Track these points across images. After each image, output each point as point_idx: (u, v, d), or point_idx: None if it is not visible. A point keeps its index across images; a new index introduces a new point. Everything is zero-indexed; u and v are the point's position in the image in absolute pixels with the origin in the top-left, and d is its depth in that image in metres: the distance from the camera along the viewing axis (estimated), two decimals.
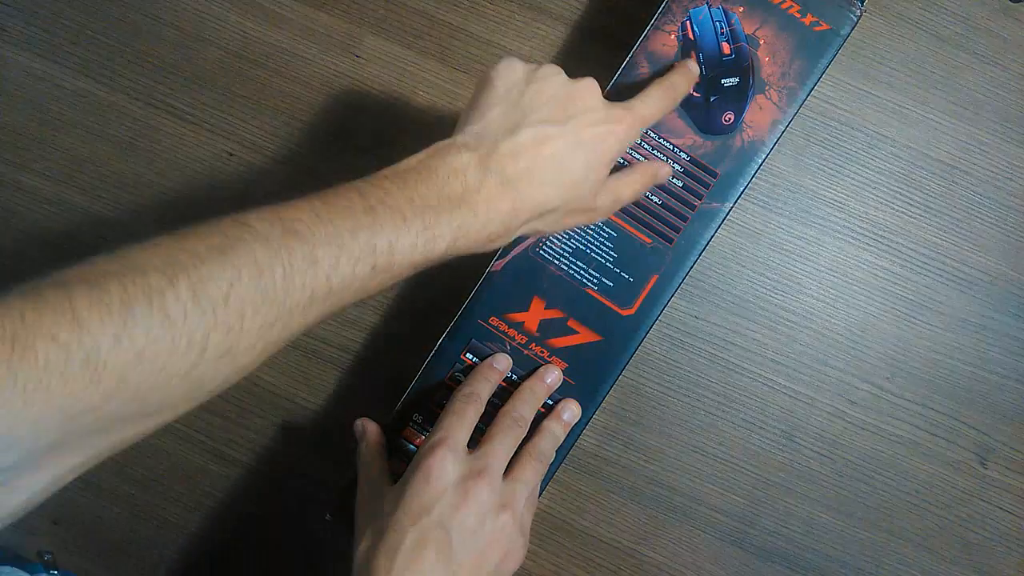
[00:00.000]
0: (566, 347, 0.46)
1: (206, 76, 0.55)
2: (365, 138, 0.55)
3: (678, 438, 0.54)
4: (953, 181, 0.54)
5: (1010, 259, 0.54)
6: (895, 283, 0.54)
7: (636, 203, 0.45)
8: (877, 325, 0.54)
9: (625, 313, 0.46)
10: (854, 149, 0.54)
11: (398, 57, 0.55)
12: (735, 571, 0.53)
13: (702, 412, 0.54)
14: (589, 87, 0.40)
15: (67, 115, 0.55)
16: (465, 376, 0.46)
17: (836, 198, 0.54)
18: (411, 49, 0.55)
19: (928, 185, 0.54)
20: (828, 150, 0.54)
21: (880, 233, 0.54)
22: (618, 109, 0.40)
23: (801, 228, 0.54)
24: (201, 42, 0.55)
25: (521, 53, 0.54)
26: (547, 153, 0.37)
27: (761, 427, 0.53)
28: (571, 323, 0.46)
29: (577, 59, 0.54)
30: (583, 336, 0.46)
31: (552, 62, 0.55)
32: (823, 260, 0.54)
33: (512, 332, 0.46)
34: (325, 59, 0.55)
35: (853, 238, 0.54)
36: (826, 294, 0.54)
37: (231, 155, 0.55)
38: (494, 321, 0.46)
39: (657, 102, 0.42)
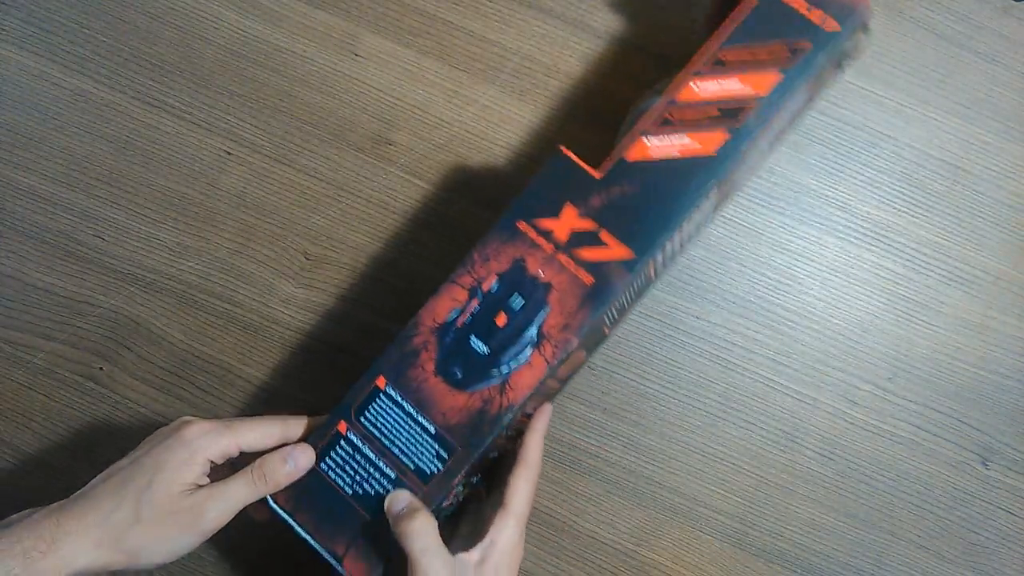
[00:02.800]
0: (595, 261, 0.43)
1: (204, 75, 0.55)
2: (364, 137, 0.54)
3: (678, 439, 0.53)
4: (955, 180, 0.54)
5: (1012, 258, 0.54)
6: (897, 283, 0.54)
7: None
8: (878, 325, 0.54)
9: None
10: (855, 148, 0.54)
11: (397, 56, 0.54)
12: (735, 571, 0.53)
13: (702, 412, 0.53)
14: None
15: (65, 114, 0.55)
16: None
17: (837, 197, 0.54)
18: (410, 48, 0.55)
19: (930, 184, 0.54)
20: (829, 149, 0.54)
21: (882, 232, 0.54)
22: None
23: (802, 227, 0.54)
24: (199, 41, 0.55)
25: (520, 52, 0.54)
26: None
27: (762, 427, 0.53)
28: (603, 235, 0.42)
29: (578, 57, 0.54)
30: (613, 251, 0.42)
31: (552, 61, 0.55)
32: (824, 260, 0.54)
33: (540, 240, 0.43)
34: (324, 58, 0.54)
35: (855, 237, 0.54)
36: (827, 294, 0.54)
37: (229, 154, 0.55)
38: (522, 226, 0.43)
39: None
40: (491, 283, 0.43)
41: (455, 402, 0.42)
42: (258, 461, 0.42)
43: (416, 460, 0.42)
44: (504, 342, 0.42)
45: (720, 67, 0.42)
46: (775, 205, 0.54)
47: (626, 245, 0.42)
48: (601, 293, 0.42)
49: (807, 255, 0.54)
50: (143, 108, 0.55)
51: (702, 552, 0.53)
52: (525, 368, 0.42)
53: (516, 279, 0.43)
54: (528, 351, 0.42)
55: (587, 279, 0.42)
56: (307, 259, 0.54)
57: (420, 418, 0.42)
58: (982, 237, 0.54)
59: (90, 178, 0.54)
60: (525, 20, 0.54)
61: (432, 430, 0.42)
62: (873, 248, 0.54)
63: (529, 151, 0.54)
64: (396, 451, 0.42)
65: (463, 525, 0.45)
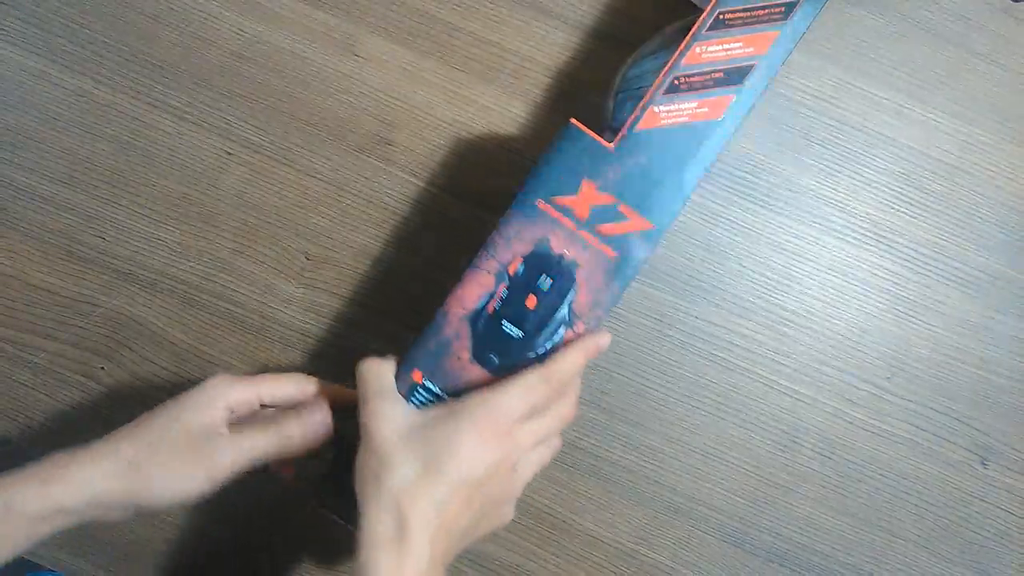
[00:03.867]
0: (617, 235, 0.42)
1: (205, 75, 0.55)
2: (364, 138, 0.54)
3: (678, 438, 0.53)
4: (953, 181, 0.54)
5: (1011, 259, 0.54)
6: (896, 283, 0.54)
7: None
8: (878, 325, 0.54)
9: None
10: (854, 149, 0.54)
11: (397, 56, 0.55)
12: (735, 571, 0.53)
13: (702, 412, 0.54)
14: None
15: (65, 114, 0.55)
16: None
17: (836, 198, 0.54)
18: (410, 48, 0.55)
19: (928, 185, 0.54)
20: (828, 150, 0.54)
21: (881, 233, 0.54)
22: None
23: (801, 228, 0.54)
24: (200, 41, 0.55)
25: (520, 52, 0.54)
26: None
27: (762, 427, 0.53)
28: (622, 208, 0.42)
29: (578, 58, 0.54)
30: (633, 223, 0.42)
31: (552, 61, 0.55)
32: (824, 260, 0.54)
33: (562, 218, 0.42)
34: (324, 58, 0.55)
35: (853, 238, 0.54)
36: (827, 294, 0.54)
37: (229, 154, 0.55)
38: (542, 206, 0.42)
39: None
40: (517, 266, 0.42)
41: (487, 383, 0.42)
42: (275, 413, 0.43)
43: None
44: (537, 324, 0.42)
45: (722, 27, 0.42)
46: (774, 205, 0.54)
47: (645, 217, 0.42)
48: (626, 266, 0.42)
49: (806, 255, 0.54)
50: (143, 108, 0.55)
51: (702, 552, 0.53)
52: (559, 346, 0.42)
53: (542, 260, 0.42)
54: (561, 331, 0.42)
55: (611, 253, 0.42)
56: (307, 259, 0.54)
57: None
58: (982, 237, 0.54)
59: (91, 178, 0.55)
60: (525, 20, 0.54)
61: None
62: (872, 248, 0.54)
63: (529, 151, 0.54)
64: None
65: None
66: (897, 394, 0.53)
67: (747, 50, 0.42)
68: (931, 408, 0.53)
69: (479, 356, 0.42)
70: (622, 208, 0.42)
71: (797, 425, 0.53)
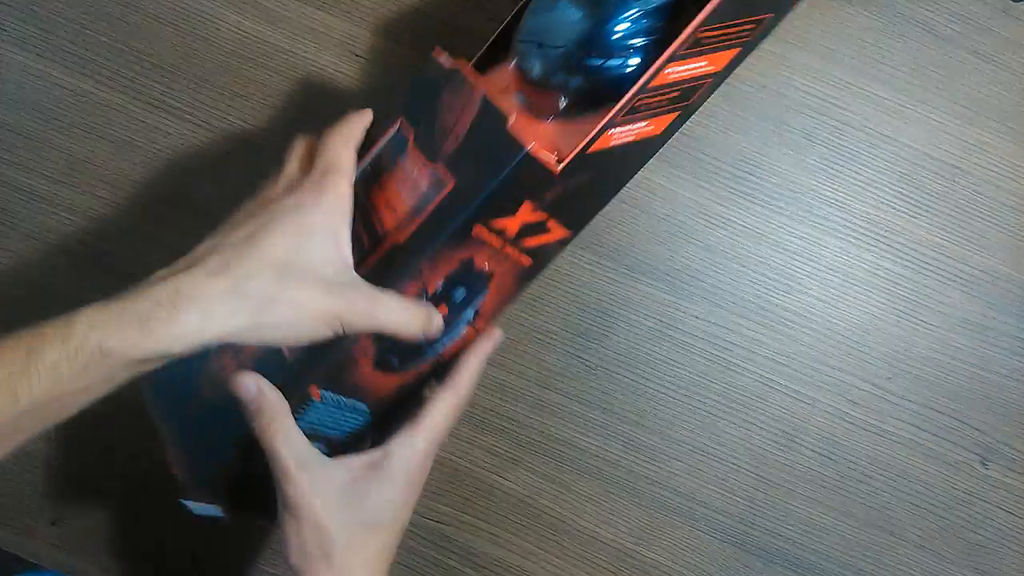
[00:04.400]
0: (536, 246, 0.42)
1: (205, 75, 0.55)
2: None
3: (678, 438, 0.53)
4: (954, 181, 0.54)
5: (1011, 259, 0.54)
6: (896, 283, 0.54)
7: None
8: (878, 325, 0.54)
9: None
10: (855, 149, 0.54)
11: (398, 56, 0.54)
12: (735, 571, 0.53)
13: (702, 412, 0.54)
14: None
15: (65, 114, 0.55)
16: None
17: (837, 198, 0.54)
18: (411, 48, 0.55)
19: (929, 185, 0.54)
20: (829, 150, 0.54)
21: (881, 233, 0.54)
22: None
23: (802, 228, 0.54)
24: (200, 41, 0.55)
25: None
26: None
27: (762, 427, 0.53)
28: (549, 223, 0.42)
29: None
30: (554, 234, 0.42)
31: None
32: (824, 260, 0.54)
33: (492, 239, 0.41)
34: (325, 58, 0.54)
35: (854, 238, 0.54)
36: (827, 294, 0.54)
37: (229, 154, 0.55)
38: (478, 230, 0.40)
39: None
40: (436, 284, 0.42)
41: (388, 383, 0.42)
42: (423, 304, 0.40)
43: (346, 430, 0.43)
44: (444, 328, 0.42)
45: (696, 48, 0.40)
46: (775, 205, 0.54)
47: (565, 227, 0.42)
48: (535, 271, 0.43)
49: (807, 255, 0.54)
50: (143, 108, 0.55)
51: (702, 552, 0.53)
52: (459, 341, 0.43)
53: (462, 276, 0.42)
54: (463, 328, 0.43)
55: (526, 262, 0.42)
56: None
57: (357, 405, 0.42)
58: (982, 237, 0.54)
59: (91, 178, 0.55)
60: None
61: (366, 409, 0.42)
62: (873, 248, 0.54)
63: None
64: (336, 432, 0.43)
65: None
66: (897, 394, 0.53)
67: (707, 68, 0.41)
68: (931, 408, 0.53)
69: (381, 361, 0.42)
70: (550, 223, 0.42)
71: (797, 425, 0.53)
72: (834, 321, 0.54)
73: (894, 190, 0.54)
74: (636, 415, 0.54)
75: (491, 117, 0.39)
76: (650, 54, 0.40)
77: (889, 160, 0.54)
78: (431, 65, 0.44)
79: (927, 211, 0.54)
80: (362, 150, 0.43)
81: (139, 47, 0.55)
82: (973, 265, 0.54)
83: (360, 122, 0.43)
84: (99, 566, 0.54)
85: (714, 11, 0.38)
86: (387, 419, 0.43)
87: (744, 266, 0.54)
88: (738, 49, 0.41)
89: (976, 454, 0.53)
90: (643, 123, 0.41)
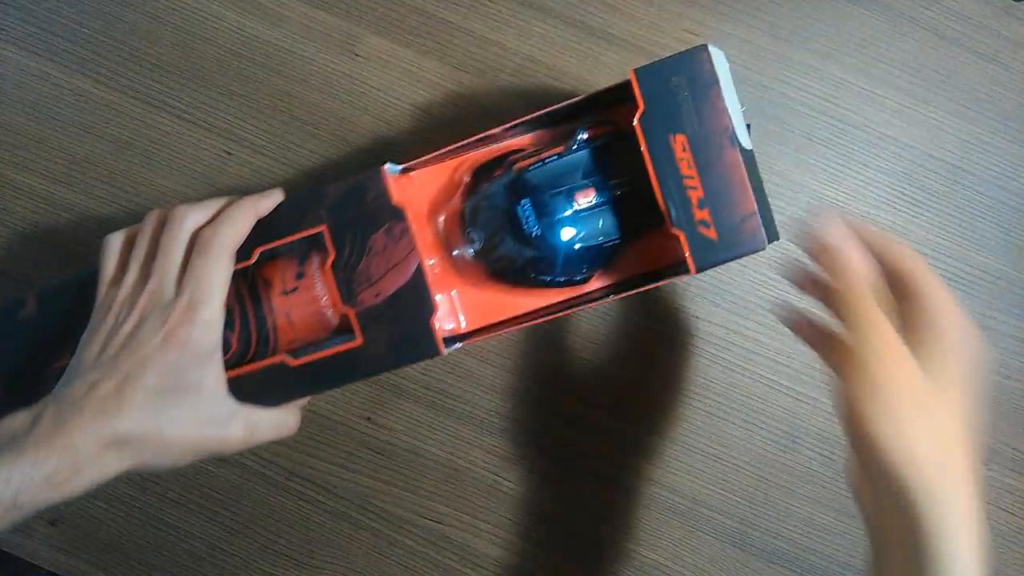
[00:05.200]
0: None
1: (204, 75, 0.55)
2: (365, 137, 0.54)
3: (678, 439, 0.53)
4: (955, 180, 0.54)
5: (1012, 259, 0.54)
6: None
7: None
8: None
9: None
10: (856, 148, 0.54)
11: (397, 56, 0.54)
12: (735, 571, 0.53)
13: (703, 412, 0.54)
14: None
15: (64, 114, 0.55)
16: None
17: (838, 198, 0.54)
18: (410, 48, 0.55)
19: (930, 185, 0.54)
20: (830, 149, 0.54)
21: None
22: None
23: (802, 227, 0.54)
24: (199, 41, 0.55)
25: (521, 52, 0.54)
26: None
27: (762, 428, 0.53)
28: None
29: (579, 58, 0.54)
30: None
31: (552, 61, 0.55)
32: None
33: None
34: (324, 58, 0.54)
35: None
36: None
37: (229, 154, 0.55)
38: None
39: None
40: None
41: None
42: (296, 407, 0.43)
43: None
44: None
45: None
46: (775, 205, 0.54)
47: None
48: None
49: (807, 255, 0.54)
50: (143, 108, 0.55)
51: (702, 552, 0.53)
52: None
53: None
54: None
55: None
56: None
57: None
58: (982, 237, 0.54)
59: (90, 178, 0.54)
60: (525, 20, 0.54)
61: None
62: None
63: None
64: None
65: None
66: None
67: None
68: None
69: None
70: None
71: (797, 425, 0.53)
72: None
73: (894, 190, 0.54)
74: (636, 415, 0.53)
75: (421, 299, 0.40)
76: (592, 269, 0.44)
77: (889, 159, 0.54)
78: (374, 179, 0.42)
79: (927, 211, 0.54)
80: (268, 227, 0.43)
81: (139, 47, 0.55)
82: (974, 265, 0.54)
83: (248, 217, 0.42)
84: (99, 566, 0.54)
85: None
86: None
87: (744, 266, 0.54)
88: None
89: None
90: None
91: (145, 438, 0.37)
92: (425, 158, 0.44)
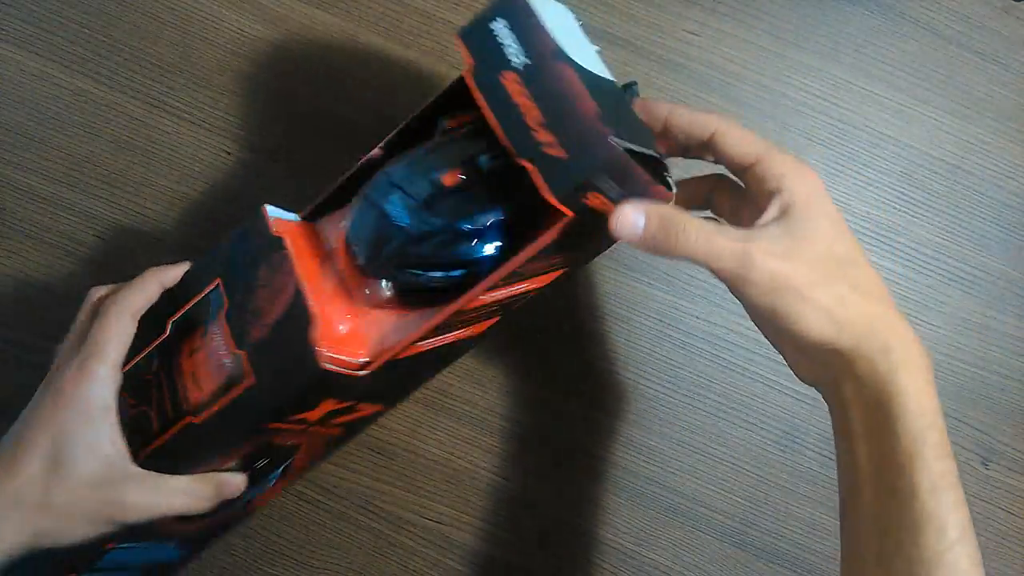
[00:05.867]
0: (346, 422, 0.43)
1: (205, 75, 0.55)
2: (365, 137, 0.54)
3: (678, 439, 0.53)
4: (955, 180, 0.54)
5: (1012, 258, 0.54)
6: (897, 283, 0.54)
7: None
8: None
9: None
10: (855, 148, 0.54)
11: (398, 56, 0.54)
12: (735, 571, 0.53)
13: (702, 412, 0.53)
14: None
15: (64, 114, 0.55)
16: None
17: (838, 197, 0.54)
18: (411, 48, 0.55)
19: (930, 184, 0.54)
20: (830, 149, 0.54)
21: (882, 233, 0.54)
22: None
23: None
24: (199, 41, 0.55)
25: None
26: None
27: (762, 427, 0.53)
28: (359, 406, 0.42)
29: None
30: (365, 411, 0.43)
31: None
32: None
33: (292, 426, 0.40)
34: (324, 58, 0.54)
35: None
36: None
37: (229, 154, 0.55)
38: (272, 425, 0.40)
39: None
40: (237, 458, 0.41)
41: (192, 526, 0.43)
42: (210, 477, 0.40)
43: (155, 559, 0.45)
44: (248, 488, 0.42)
45: (515, 278, 0.38)
46: None
47: (377, 404, 0.43)
48: (348, 437, 0.46)
49: None
50: (143, 108, 0.55)
51: (702, 552, 0.53)
52: (268, 492, 0.46)
53: (264, 451, 0.42)
54: (271, 482, 0.44)
55: (336, 432, 0.43)
56: None
57: (164, 546, 0.44)
58: (982, 237, 0.54)
59: (90, 178, 0.54)
60: None
61: (174, 548, 0.45)
62: (873, 248, 0.54)
63: None
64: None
65: None
66: None
67: (529, 288, 0.40)
68: None
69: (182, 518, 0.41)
70: (359, 406, 0.42)
71: (797, 425, 0.53)
72: None
73: (894, 189, 0.54)
74: (636, 415, 0.53)
75: (299, 316, 0.37)
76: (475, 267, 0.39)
77: (889, 159, 0.54)
78: (258, 222, 0.41)
79: (927, 211, 0.54)
80: (178, 296, 0.42)
81: (139, 47, 0.55)
82: (974, 264, 0.54)
83: (149, 284, 0.42)
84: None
85: (539, 251, 0.36)
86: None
87: None
88: (564, 269, 0.40)
89: (976, 454, 0.53)
90: (460, 330, 0.41)
91: (38, 503, 0.36)
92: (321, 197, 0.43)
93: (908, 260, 0.54)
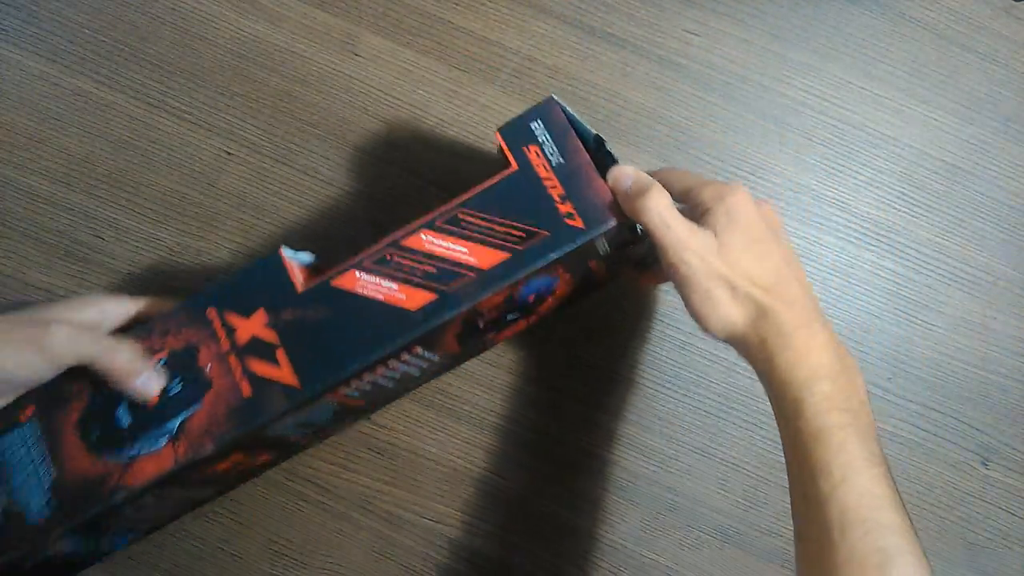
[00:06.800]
0: (260, 377, 0.41)
1: (204, 75, 0.55)
2: (364, 137, 0.54)
3: (678, 439, 0.53)
4: (955, 180, 0.54)
5: (1012, 258, 0.54)
6: (897, 283, 0.54)
7: None
8: (878, 325, 0.54)
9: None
10: (856, 148, 0.54)
11: (397, 56, 0.54)
12: (735, 571, 0.53)
13: (703, 412, 0.53)
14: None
15: (65, 114, 0.55)
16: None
17: (838, 197, 0.54)
18: (410, 48, 0.55)
19: (930, 184, 0.54)
20: (830, 149, 0.54)
21: (882, 233, 0.54)
22: None
23: (802, 228, 0.54)
24: (199, 41, 0.55)
25: (520, 52, 0.54)
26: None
27: (762, 427, 0.53)
28: (279, 354, 0.41)
29: (578, 57, 0.54)
30: (282, 374, 0.41)
31: (552, 61, 0.55)
32: (824, 260, 0.54)
33: (221, 334, 0.41)
34: (324, 58, 0.54)
35: (855, 238, 0.54)
36: (828, 294, 0.54)
37: (229, 154, 0.55)
38: (211, 314, 0.41)
39: None
40: (161, 357, 0.41)
41: (82, 463, 0.41)
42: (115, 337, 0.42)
43: (29, 499, 0.41)
44: (145, 422, 0.41)
45: (454, 226, 0.40)
46: (775, 205, 0.54)
47: (296, 373, 0.41)
48: (253, 411, 0.41)
49: (807, 255, 0.54)
50: (143, 108, 0.55)
51: (702, 552, 0.53)
52: (153, 456, 0.41)
53: (184, 363, 0.41)
54: (163, 441, 0.41)
55: (246, 391, 0.41)
56: None
57: (47, 464, 0.41)
58: (982, 237, 0.54)
59: (90, 178, 0.54)
60: (525, 20, 0.54)
61: (51, 479, 0.41)
62: (873, 248, 0.54)
63: None
64: (15, 483, 0.41)
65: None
66: (898, 394, 0.53)
67: (468, 258, 0.41)
68: (932, 408, 0.53)
69: (82, 425, 0.41)
70: (279, 353, 0.41)
71: None
72: (835, 321, 0.54)
73: (894, 189, 0.54)
74: (636, 415, 0.53)
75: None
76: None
77: (889, 159, 0.54)
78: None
79: (927, 211, 0.54)
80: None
81: (139, 47, 0.55)
82: (974, 264, 0.54)
83: (88, 310, 0.43)
84: (97, 568, 0.54)
85: (476, 195, 0.40)
86: (66, 499, 0.41)
87: None
88: (507, 255, 0.41)
89: (976, 454, 0.53)
90: (393, 285, 0.41)
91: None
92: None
93: (909, 260, 0.54)
